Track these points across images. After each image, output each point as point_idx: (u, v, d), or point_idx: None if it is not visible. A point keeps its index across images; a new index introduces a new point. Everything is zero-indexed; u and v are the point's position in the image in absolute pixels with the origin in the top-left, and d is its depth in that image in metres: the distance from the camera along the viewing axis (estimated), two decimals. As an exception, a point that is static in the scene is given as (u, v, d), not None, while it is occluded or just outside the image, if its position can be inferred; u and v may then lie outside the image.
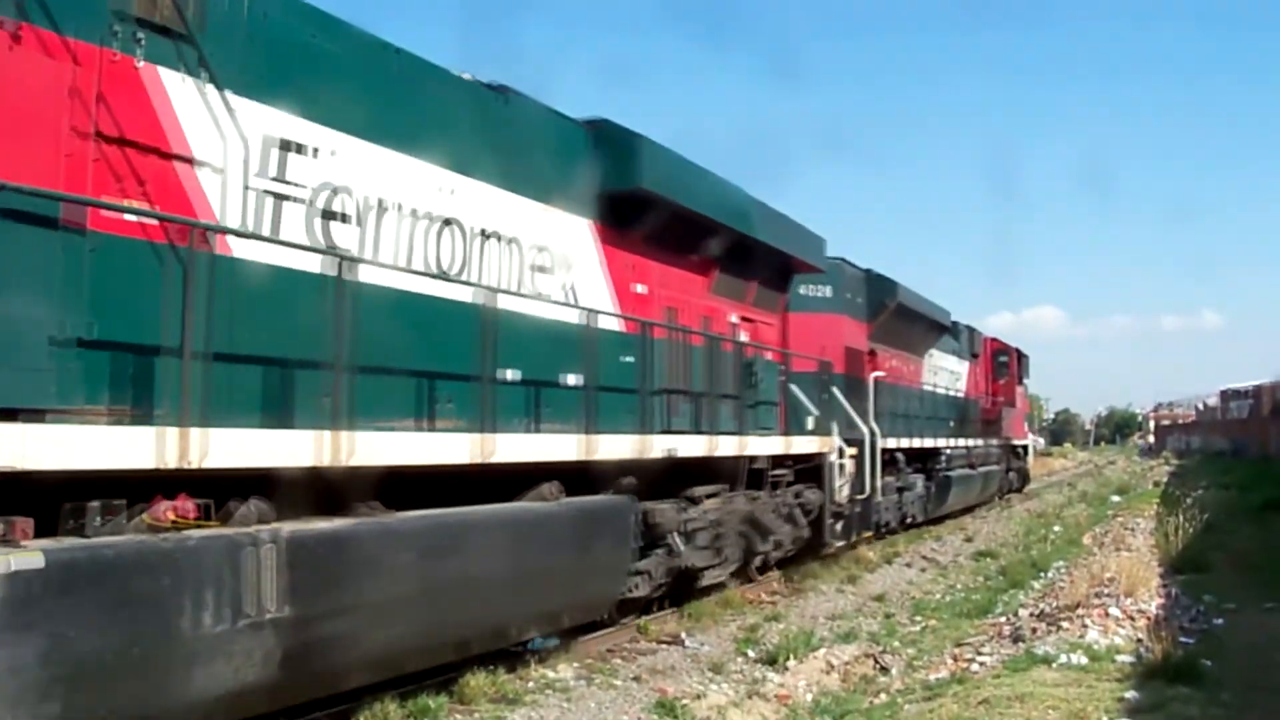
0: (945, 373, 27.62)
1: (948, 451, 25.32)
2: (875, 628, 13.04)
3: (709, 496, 12.34)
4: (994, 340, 34.92)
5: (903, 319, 22.32)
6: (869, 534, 19.33)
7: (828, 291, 18.48)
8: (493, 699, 8.52)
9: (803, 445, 15.30)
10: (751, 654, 11.10)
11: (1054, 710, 7.71)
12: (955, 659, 10.74)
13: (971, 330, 31.45)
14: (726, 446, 12.37)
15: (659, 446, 10.77)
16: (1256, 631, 10.91)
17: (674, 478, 11.57)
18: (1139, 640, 9.98)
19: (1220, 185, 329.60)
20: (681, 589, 12.53)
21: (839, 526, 16.93)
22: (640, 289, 11.51)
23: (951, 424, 27.00)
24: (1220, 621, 11.50)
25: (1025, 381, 38.53)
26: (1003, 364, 34.68)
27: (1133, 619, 11.00)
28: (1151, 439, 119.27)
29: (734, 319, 13.88)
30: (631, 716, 8.64)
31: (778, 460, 14.50)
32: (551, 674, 9.52)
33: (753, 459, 13.56)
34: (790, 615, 13.28)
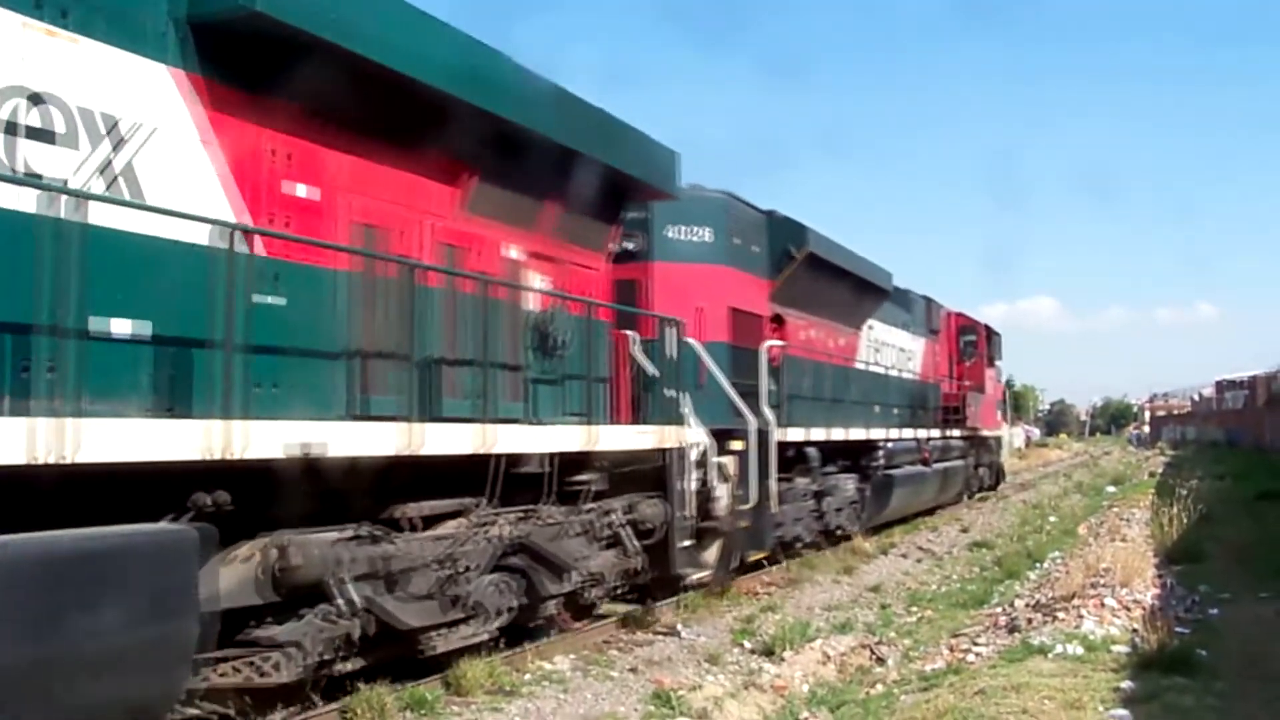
0: (891, 350, 22.67)
1: (888, 445, 20.31)
2: (871, 618, 13.06)
3: (442, 517, 8.65)
4: (959, 315, 29.63)
5: (823, 278, 17.31)
6: (762, 554, 15.07)
7: (707, 235, 14.15)
8: (489, 690, 8.52)
9: (620, 439, 10.59)
10: (748, 645, 11.11)
11: (1050, 700, 7.72)
12: (951, 650, 10.76)
13: (930, 302, 26.48)
14: (446, 439, 8.03)
15: (266, 438, 6.41)
16: (1252, 621, 10.92)
17: (376, 492, 7.89)
18: (1134, 630, 9.99)
19: (1214, 179, 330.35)
20: (403, 661, 8.44)
21: (708, 550, 12.67)
22: (304, 191, 7.46)
23: (898, 412, 22.12)
24: (1215, 611, 11.51)
25: (997, 364, 33.38)
26: (970, 343, 29.84)
27: (1128, 609, 11.01)
28: (1146, 429, 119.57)
29: (514, 253, 9.73)
30: (628, 708, 8.65)
31: (581, 461, 10.10)
32: (548, 665, 9.52)
33: (515, 460, 9.08)
34: (786, 606, 13.29)
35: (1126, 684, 8.09)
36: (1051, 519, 24.92)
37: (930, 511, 24.88)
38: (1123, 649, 9.34)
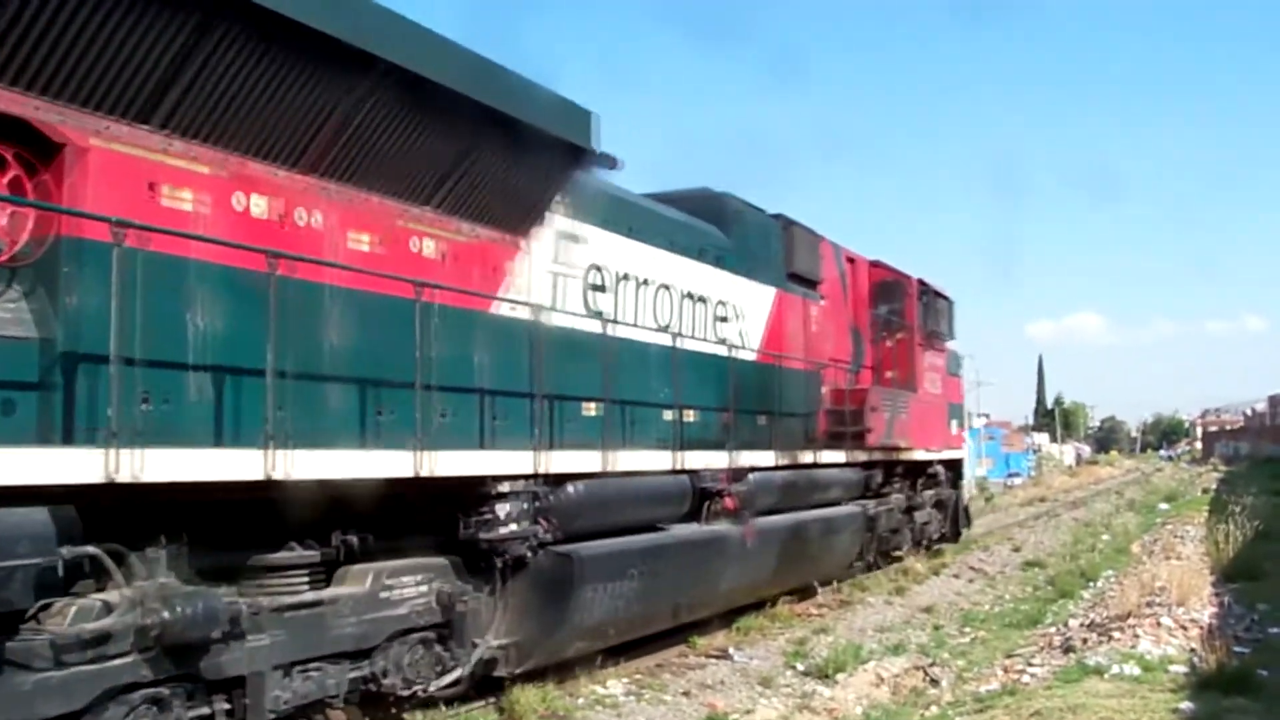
0: (671, 298, 12.05)
1: (608, 489, 9.95)
2: (924, 639, 12.99)
3: None
4: (877, 265, 18.68)
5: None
6: None
7: None
8: (543, 715, 8.59)
9: None
10: (800, 667, 11.10)
11: (1108, 721, 7.67)
12: (1006, 670, 10.68)
13: (793, 229, 15.38)
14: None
15: None
16: (1313, 640, 10.77)
17: None
18: (1192, 650, 9.88)
19: (1257, 188, 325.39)
20: None
21: None
22: None
23: (670, 418, 11.48)
24: (1275, 630, 11.35)
25: (949, 346, 21.68)
26: (893, 312, 18.75)
27: (1185, 628, 10.89)
28: (1184, 446, 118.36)
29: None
30: (682, 731, 8.67)
31: None
32: (601, 690, 9.58)
33: None
34: (838, 628, 13.25)
35: (1185, 705, 8.00)
36: (1104, 537, 24.62)
37: (761, 605, 13.74)
38: (1180, 669, 9.25)
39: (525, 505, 8.78)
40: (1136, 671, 9.24)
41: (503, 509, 8.56)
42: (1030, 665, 10.59)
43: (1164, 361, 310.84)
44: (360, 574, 7.67)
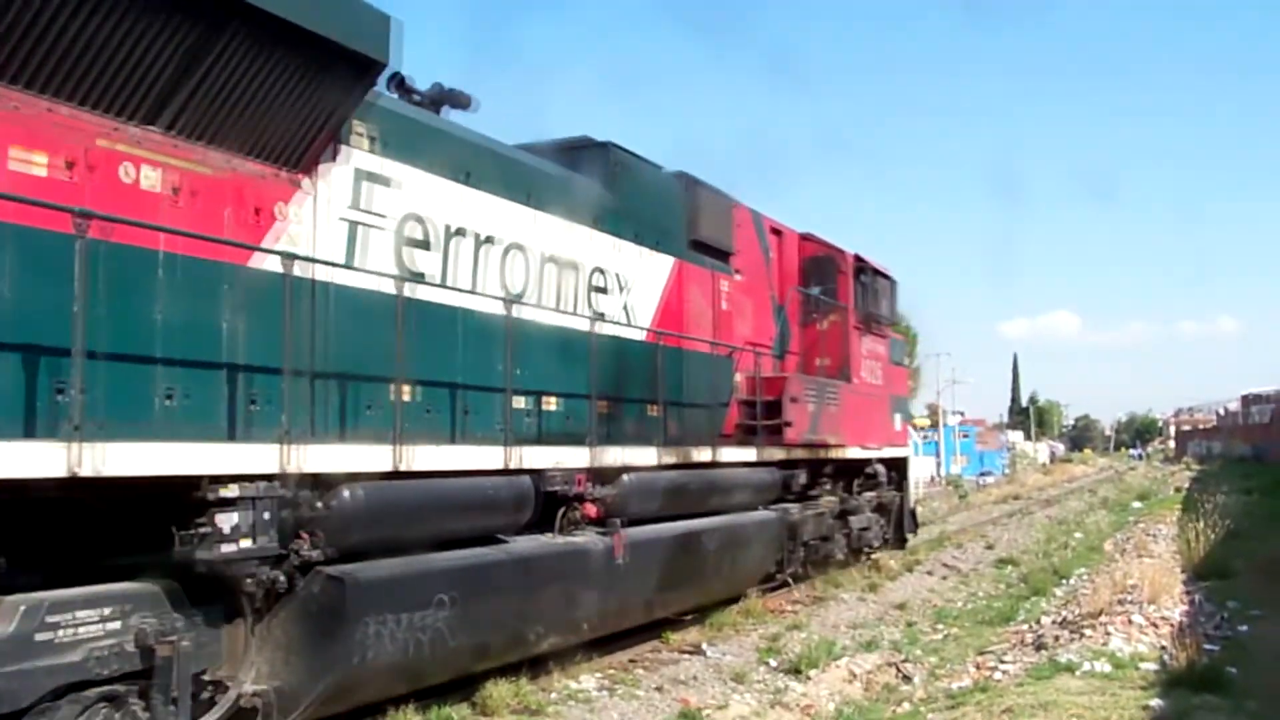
0: (527, 260, 10.04)
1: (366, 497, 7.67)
2: (897, 636, 13.01)
3: None
4: (810, 239, 16.72)
5: None
6: None
7: None
8: (515, 710, 8.56)
9: None
10: (773, 663, 11.09)
11: (1078, 718, 7.69)
12: (978, 667, 10.71)
13: (697, 188, 13.20)
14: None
15: None
16: (1282, 638, 10.84)
17: None
18: (1163, 648, 9.94)
19: (1232, 190, 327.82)
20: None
21: None
22: None
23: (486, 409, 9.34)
24: (1245, 629, 11.43)
25: (891, 333, 19.46)
26: (827, 292, 16.63)
27: (1156, 626, 10.95)
28: (1156, 445, 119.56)
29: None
30: (654, 727, 8.65)
31: None
32: (574, 684, 9.55)
33: None
34: (812, 624, 13.25)
35: (1156, 702, 8.04)
36: (1077, 535, 24.77)
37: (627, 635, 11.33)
38: (1151, 666, 9.29)
39: (268, 515, 6.69)
40: (1108, 669, 9.28)
41: (227, 520, 6.39)
42: (1002, 662, 10.62)
43: (1138, 361, 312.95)
44: (7, 610, 5.52)
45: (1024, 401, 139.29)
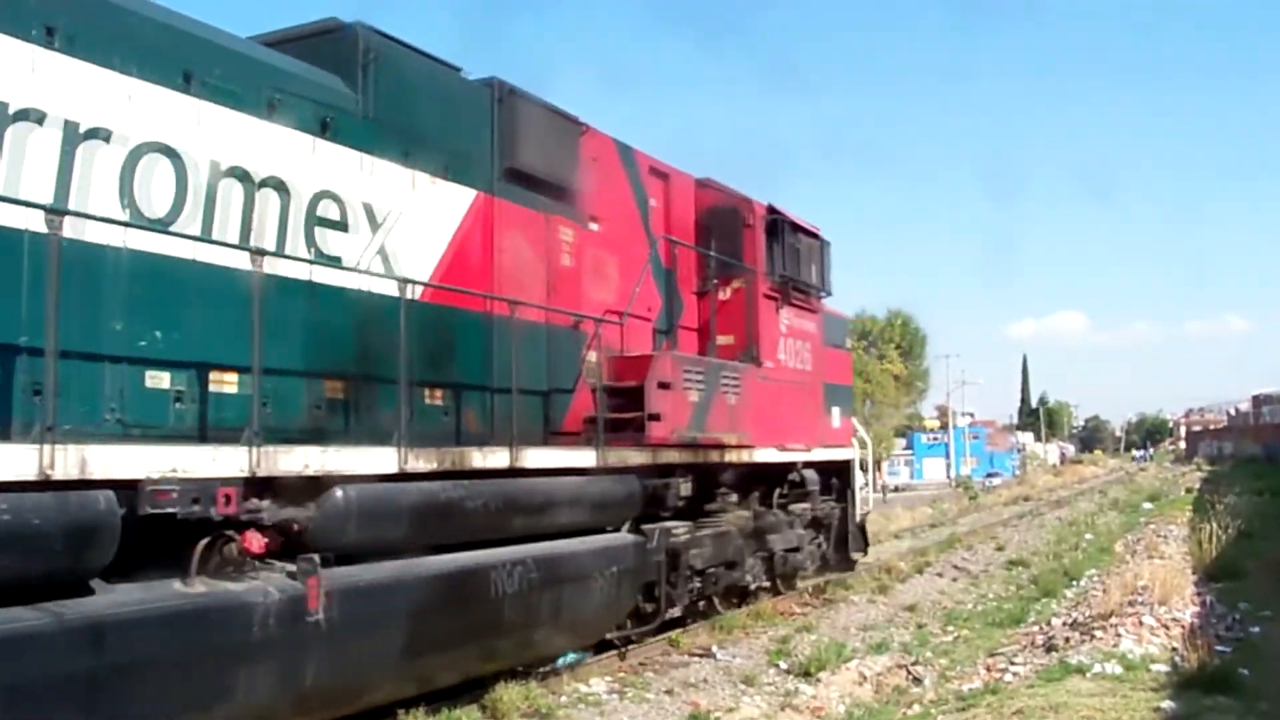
0: (198, 176, 6.93)
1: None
2: (907, 638, 12.99)
3: None
4: (708, 185, 13.61)
5: None
6: None
7: None
8: (525, 713, 8.56)
9: None
10: (783, 665, 11.08)
11: (1089, 720, 7.67)
12: (988, 669, 10.70)
13: (520, 101, 9.82)
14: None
15: None
16: (1294, 640, 10.80)
17: None
18: (1174, 649, 9.90)
19: (1232, 191, 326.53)
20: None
21: None
22: None
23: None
24: (1257, 630, 11.38)
25: (823, 304, 15.64)
26: (730, 254, 13.31)
27: (1167, 628, 10.91)
28: (1167, 446, 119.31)
29: None
30: (664, 730, 8.65)
31: None
32: (584, 688, 9.56)
33: None
34: (821, 626, 13.24)
35: (1167, 704, 8.01)
36: (1087, 536, 24.68)
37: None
38: (1162, 668, 9.26)
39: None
40: (1118, 670, 9.25)
41: None
42: (1013, 664, 10.60)
43: (1148, 361, 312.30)
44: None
45: (1034, 403, 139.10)
